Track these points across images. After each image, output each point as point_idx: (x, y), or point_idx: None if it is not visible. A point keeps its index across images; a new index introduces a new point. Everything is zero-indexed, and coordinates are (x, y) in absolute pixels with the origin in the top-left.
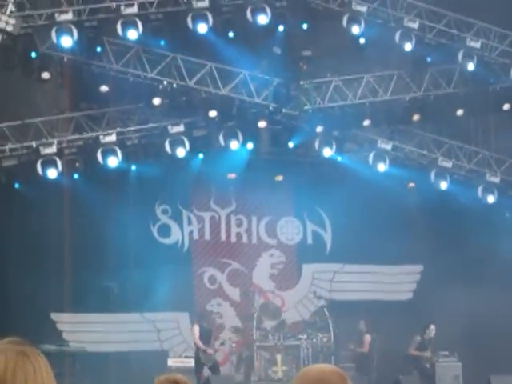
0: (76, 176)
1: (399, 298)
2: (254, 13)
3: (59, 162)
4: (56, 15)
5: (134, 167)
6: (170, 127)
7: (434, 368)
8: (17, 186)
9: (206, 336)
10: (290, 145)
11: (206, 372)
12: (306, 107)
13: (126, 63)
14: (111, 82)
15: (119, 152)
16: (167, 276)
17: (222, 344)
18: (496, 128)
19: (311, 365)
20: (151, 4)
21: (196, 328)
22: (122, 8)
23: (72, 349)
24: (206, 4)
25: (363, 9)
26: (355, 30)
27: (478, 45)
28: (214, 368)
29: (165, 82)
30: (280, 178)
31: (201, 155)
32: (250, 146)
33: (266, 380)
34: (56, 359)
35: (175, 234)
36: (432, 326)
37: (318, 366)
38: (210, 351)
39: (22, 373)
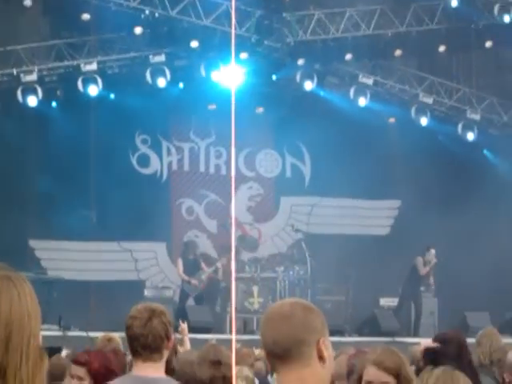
0: (55, 104)
1: (377, 232)
2: None
3: (39, 90)
4: None
5: (114, 96)
6: (151, 57)
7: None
8: None
9: (192, 267)
10: (273, 77)
11: (192, 302)
12: (288, 40)
13: None
14: (93, 10)
15: (100, 80)
16: (145, 206)
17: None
18: (478, 65)
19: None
20: None
21: (179, 261)
22: None
23: (49, 277)
24: None
25: None
26: None
27: None
28: (199, 298)
29: (147, 12)
30: (260, 110)
31: (181, 84)
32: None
33: (243, 311)
34: (34, 287)
35: (154, 164)
36: (432, 250)
37: (281, 301)
38: (193, 282)
39: (7, 297)
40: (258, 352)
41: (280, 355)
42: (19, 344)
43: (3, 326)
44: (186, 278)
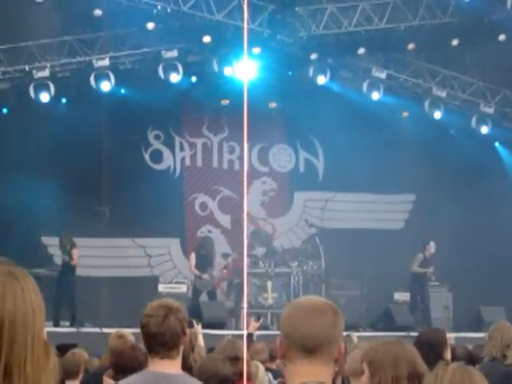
0: (67, 100)
1: (391, 227)
2: None
3: (52, 86)
4: None
5: (126, 92)
6: (163, 52)
7: None
8: (5, 111)
9: (204, 263)
10: (286, 72)
11: (205, 298)
12: (300, 34)
13: None
14: (105, 5)
15: (112, 76)
16: (158, 202)
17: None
18: (491, 58)
19: (301, 292)
20: None
21: (192, 256)
22: None
23: None
24: None
25: None
26: None
27: None
28: (212, 294)
29: (159, 7)
30: (274, 105)
31: (194, 78)
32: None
33: (256, 307)
34: (46, 283)
35: (167, 160)
36: (432, 243)
37: (308, 296)
38: (204, 277)
39: (11, 293)
40: None
41: (310, 349)
42: (24, 340)
43: (8, 323)
44: (198, 273)
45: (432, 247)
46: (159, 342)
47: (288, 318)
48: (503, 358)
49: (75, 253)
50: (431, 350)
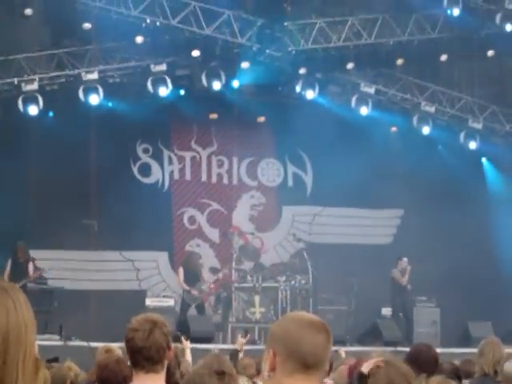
0: (55, 113)
1: (379, 241)
2: None
3: (40, 99)
4: None
5: (115, 105)
6: (152, 66)
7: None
8: None
9: (192, 278)
10: (275, 87)
11: (193, 312)
12: (289, 49)
13: (110, 0)
14: (94, 19)
15: (101, 90)
16: (147, 215)
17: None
18: (480, 74)
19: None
20: None
21: (180, 270)
22: None
23: (50, 287)
24: None
25: None
26: None
27: None
28: (200, 308)
29: (148, 21)
30: (262, 119)
31: (182, 92)
32: (235, 83)
33: (244, 321)
34: (34, 297)
35: (156, 174)
36: (404, 259)
37: (303, 312)
38: (193, 292)
39: (3, 308)
40: None
41: (310, 365)
42: (16, 356)
43: (0, 339)
44: (187, 287)
45: (404, 263)
46: (144, 356)
47: (288, 333)
48: (495, 374)
49: (30, 267)
50: (422, 366)
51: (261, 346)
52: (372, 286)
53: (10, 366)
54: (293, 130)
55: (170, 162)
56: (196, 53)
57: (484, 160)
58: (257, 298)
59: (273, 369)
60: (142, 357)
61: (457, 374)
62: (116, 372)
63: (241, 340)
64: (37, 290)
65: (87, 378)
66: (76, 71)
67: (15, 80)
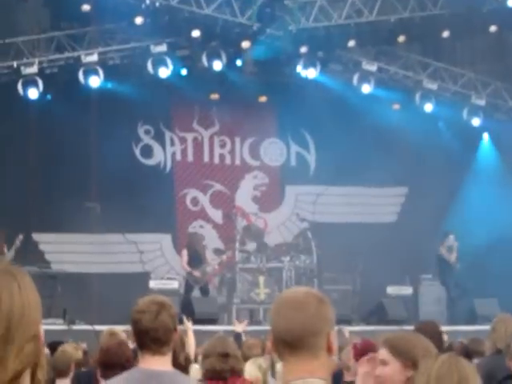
0: (56, 96)
1: (383, 220)
2: None
3: (40, 82)
4: None
5: (115, 87)
6: (152, 47)
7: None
8: None
9: (196, 259)
10: (276, 65)
11: (197, 294)
12: (290, 27)
13: None
14: (93, 0)
15: (101, 71)
16: (149, 197)
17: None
18: (482, 50)
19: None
20: None
21: (184, 252)
22: None
23: (54, 271)
24: None
25: None
26: None
27: None
28: (204, 290)
29: (147, 1)
30: (264, 98)
31: (183, 72)
32: (239, 62)
33: (249, 302)
34: (38, 281)
35: (158, 155)
36: (451, 235)
37: (293, 288)
38: (196, 273)
39: (8, 291)
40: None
41: (291, 344)
42: (19, 337)
43: (4, 320)
44: (189, 269)
45: (451, 239)
46: (152, 338)
47: (271, 313)
48: (508, 349)
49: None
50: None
51: (266, 327)
52: (377, 265)
53: (12, 347)
54: (295, 109)
55: (172, 143)
56: (196, 33)
57: (486, 135)
58: (261, 279)
59: (273, 351)
60: (149, 339)
61: (466, 352)
62: (118, 354)
63: (238, 324)
64: (40, 274)
65: (92, 361)
66: (75, 53)
67: (14, 63)
